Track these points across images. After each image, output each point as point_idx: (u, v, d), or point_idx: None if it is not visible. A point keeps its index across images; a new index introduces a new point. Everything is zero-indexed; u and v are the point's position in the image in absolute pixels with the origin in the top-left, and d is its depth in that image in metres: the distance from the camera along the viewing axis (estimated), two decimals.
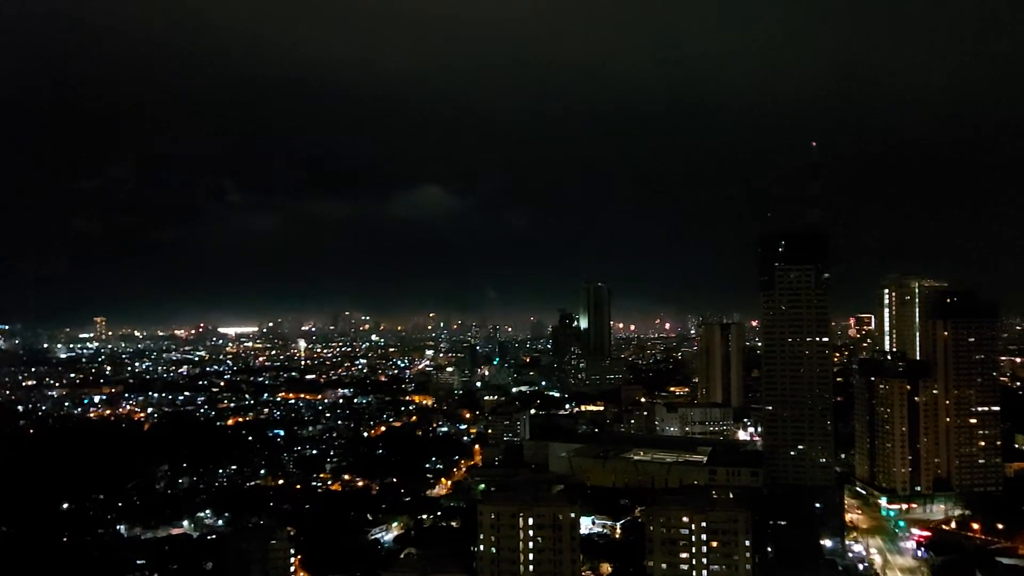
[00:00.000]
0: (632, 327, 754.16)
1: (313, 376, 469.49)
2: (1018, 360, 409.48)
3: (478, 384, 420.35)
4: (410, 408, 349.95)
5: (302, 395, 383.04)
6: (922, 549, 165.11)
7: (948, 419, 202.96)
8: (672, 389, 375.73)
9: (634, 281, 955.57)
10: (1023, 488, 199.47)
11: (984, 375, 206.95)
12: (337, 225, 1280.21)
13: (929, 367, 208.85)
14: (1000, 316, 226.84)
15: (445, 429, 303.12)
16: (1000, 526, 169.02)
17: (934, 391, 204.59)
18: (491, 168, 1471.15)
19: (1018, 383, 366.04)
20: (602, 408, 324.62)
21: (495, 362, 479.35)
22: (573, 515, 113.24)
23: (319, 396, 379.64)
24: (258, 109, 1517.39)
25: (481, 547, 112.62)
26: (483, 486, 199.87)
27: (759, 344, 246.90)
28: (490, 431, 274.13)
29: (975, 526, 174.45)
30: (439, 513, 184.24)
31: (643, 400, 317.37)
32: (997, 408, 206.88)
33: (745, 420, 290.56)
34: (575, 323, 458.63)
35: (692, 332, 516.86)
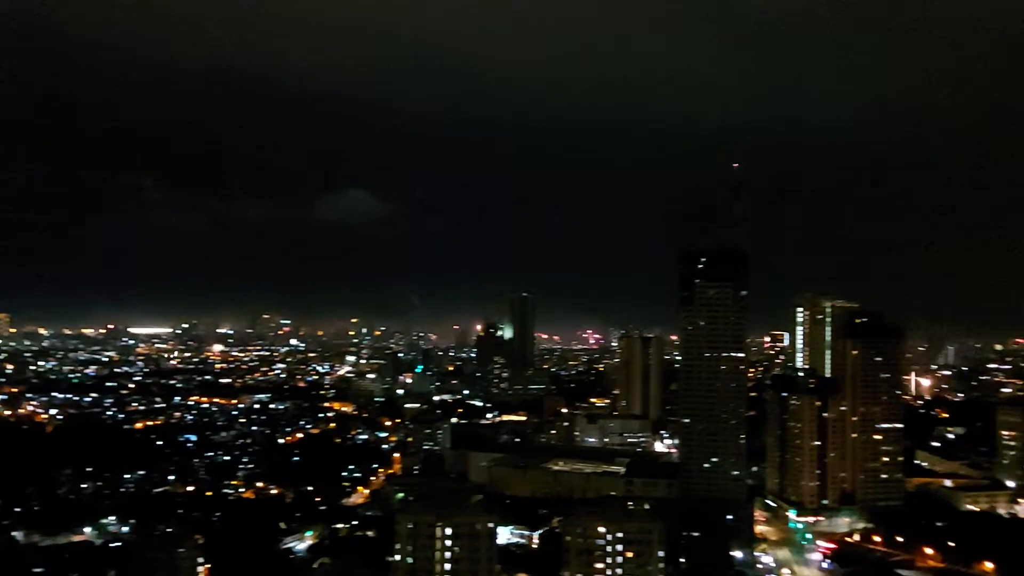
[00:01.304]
0: (556, 338, 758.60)
1: (228, 380, 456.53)
2: (919, 379, 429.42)
3: (400, 392, 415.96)
4: (329, 415, 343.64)
5: (216, 399, 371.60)
6: (827, 561, 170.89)
7: (855, 435, 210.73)
8: (593, 400, 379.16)
9: (559, 292, 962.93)
10: (923, 502, 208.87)
11: (889, 393, 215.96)
12: (258, 226, 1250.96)
13: (838, 384, 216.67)
14: (904, 337, 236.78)
15: (364, 437, 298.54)
16: (900, 539, 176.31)
17: (842, 407, 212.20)
18: (418, 175, 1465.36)
19: (919, 401, 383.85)
20: (524, 418, 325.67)
21: (418, 370, 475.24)
22: (491, 525, 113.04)
23: (234, 401, 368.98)
24: (178, 105, 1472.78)
25: (397, 557, 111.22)
26: (401, 495, 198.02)
27: (678, 358, 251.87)
28: (410, 440, 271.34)
29: (877, 539, 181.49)
30: (356, 522, 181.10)
31: (564, 411, 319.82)
32: (900, 425, 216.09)
33: (663, 432, 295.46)
34: (499, 332, 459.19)
35: (614, 344, 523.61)
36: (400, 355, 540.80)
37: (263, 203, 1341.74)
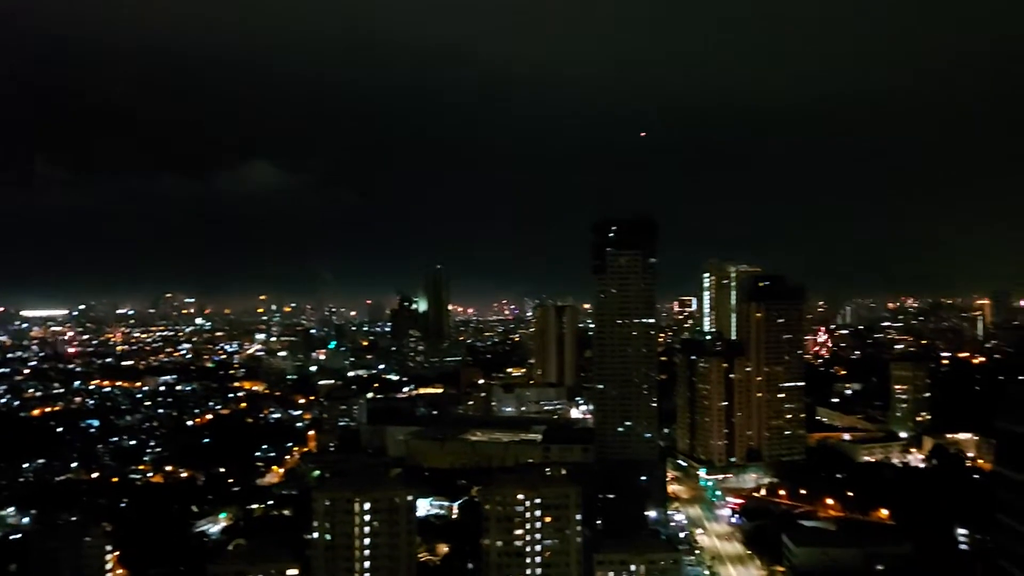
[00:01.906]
0: (471, 310, 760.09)
1: (131, 362, 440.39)
2: (819, 339, 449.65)
3: (313, 369, 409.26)
4: (239, 395, 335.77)
5: (119, 383, 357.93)
6: (736, 516, 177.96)
7: (759, 394, 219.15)
8: (510, 370, 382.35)
9: (474, 264, 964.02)
10: (823, 456, 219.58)
11: (791, 353, 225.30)
12: (158, 201, 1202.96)
13: (744, 346, 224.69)
14: (805, 299, 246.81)
15: (278, 416, 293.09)
16: (803, 491, 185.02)
17: (747, 368, 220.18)
18: (328, 146, 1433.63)
19: (819, 360, 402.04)
20: (441, 390, 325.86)
21: (331, 346, 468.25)
22: (410, 498, 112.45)
23: (138, 384, 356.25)
24: (66, 75, 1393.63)
25: (315, 535, 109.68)
26: (317, 473, 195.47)
27: (592, 326, 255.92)
28: (325, 416, 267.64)
29: (782, 492, 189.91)
30: (271, 502, 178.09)
31: (481, 382, 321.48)
32: (802, 383, 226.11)
33: (578, 399, 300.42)
34: (414, 306, 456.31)
35: (529, 315, 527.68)
36: (312, 331, 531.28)
37: (161, 177, 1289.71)
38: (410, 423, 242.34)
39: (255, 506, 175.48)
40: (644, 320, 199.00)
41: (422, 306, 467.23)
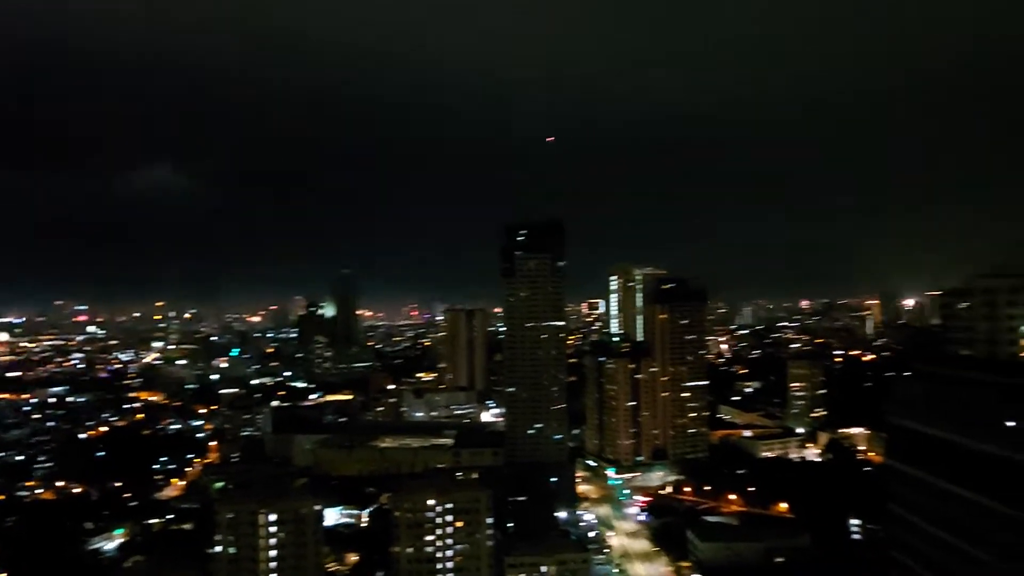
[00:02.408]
0: (380, 314, 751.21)
1: (18, 373, 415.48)
2: (721, 339, 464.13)
3: (214, 377, 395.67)
4: (135, 405, 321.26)
5: (3, 395, 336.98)
6: (644, 514, 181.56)
7: (665, 394, 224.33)
8: (420, 375, 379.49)
9: (383, 269, 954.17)
10: (726, 453, 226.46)
11: (694, 353, 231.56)
12: (47, 204, 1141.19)
13: (649, 347, 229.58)
14: (707, 300, 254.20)
15: (177, 427, 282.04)
16: (707, 488, 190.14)
17: (653, 369, 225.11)
18: (231, 148, 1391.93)
19: (720, 359, 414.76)
20: (349, 397, 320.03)
21: (233, 353, 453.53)
22: (317, 508, 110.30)
23: (25, 396, 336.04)
24: None
25: (218, 548, 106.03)
26: (220, 484, 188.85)
27: (502, 329, 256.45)
28: (228, 427, 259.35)
29: (687, 490, 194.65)
30: (171, 516, 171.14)
31: (391, 387, 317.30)
32: (705, 383, 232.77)
33: (489, 402, 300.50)
34: (321, 311, 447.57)
35: (439, 319, 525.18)
36: (213, 339, 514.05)
37: (50, 178, 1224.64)
38: (317, 431, 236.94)
39: (154, 521, 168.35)
40: (553, 323, 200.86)
41: (330, 311, 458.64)
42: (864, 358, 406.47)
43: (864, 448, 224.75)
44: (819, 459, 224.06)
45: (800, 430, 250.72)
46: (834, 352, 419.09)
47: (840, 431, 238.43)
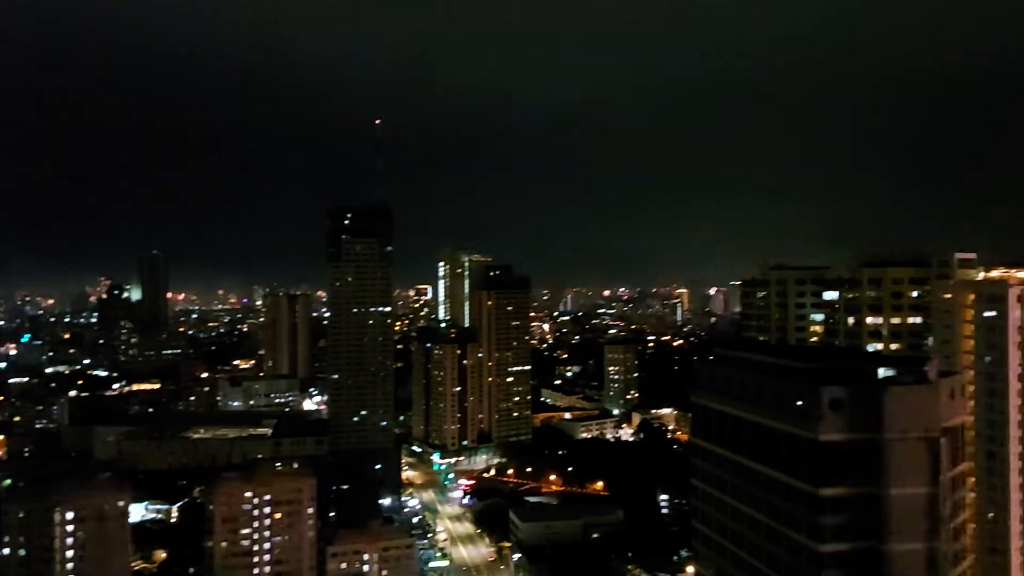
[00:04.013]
0: (193, 298, 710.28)
1: None
2: (544, 325, 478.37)
3: (2, 365, 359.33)
4: None
5: None
6: (468, 497, 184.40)
7: (491, 379, 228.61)
8: (237, 362, 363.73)
9: (197, 250, 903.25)
10: (547, 435, 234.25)
11: (519, 339, 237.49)
12: None
13: (476, 333, 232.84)
14: (531, 287, 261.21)
15: None
16: (530, 470, 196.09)
17: (480, 354, 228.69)
18: (19, 117, 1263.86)
19: (543, 345, 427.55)
20: (158, 386, 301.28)
21: (24, 339, 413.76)
22: (121, 504, 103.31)
23: None
24: None
25: (6, 551, 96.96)
26: (9, 482, 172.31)
27: (327, 314, 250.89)
28: (18, 419, 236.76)
29: (511, 472, 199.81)
30: None
31: (205, 375, 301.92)
32: (529, 367, 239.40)
33: (312, 390, 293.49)
34: (126, 294, 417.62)
35: (259, 303, 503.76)
36: (0, 323, 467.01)
37: None
38: (122, 423, 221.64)
39: None
40: (380, 308, 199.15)
41: (136, 294, 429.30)
42: (674, 343, 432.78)
43: (673, 427, 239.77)
44: (632, 439, 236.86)
45: (616, 411, 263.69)
46: (647, 337, 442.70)
47: (652, 412, 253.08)
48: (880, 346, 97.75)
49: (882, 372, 58.88)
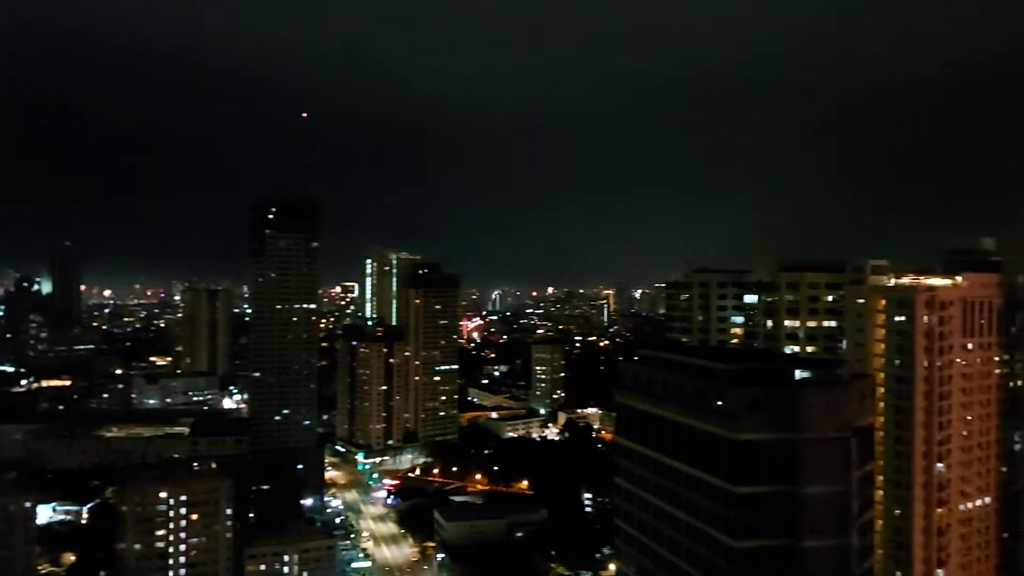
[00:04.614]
0: (107, 292, 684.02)
1: None
2: (470, 324, 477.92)
3: None
4: None
5: None
6: (392, 497, 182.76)
7: (417, 378, 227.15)
8: (153, 359, 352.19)
9: (113, 244, 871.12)
10: (474, 434, 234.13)
11: (447, 338, 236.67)
12: None
13: (404, 331, 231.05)
14: (460, 286, 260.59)
15: None
16: (455, 469, 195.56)
17: (407, 353, 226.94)
18: None
19: (471, 344, 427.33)
20: (69, 383, 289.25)
21: None
22: (28, 505, 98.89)
23: None
24: None
25: None
26: None
27: (249, 311, 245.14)
28: None
29: (436, 471, 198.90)
30: None
31: (119, 372, 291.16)
32: (456, 366, 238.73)
33: (232, 388, 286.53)
34: (36, 287, 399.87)
35: (177, 298, 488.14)
36: None
37: None
38: (30, 420, 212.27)
39: None
40: (305, 305, 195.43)
41: (46, 287, 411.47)
42: (600, 343, 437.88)
43: (598, 427, 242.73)
44: (558, 438, 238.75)
45: (543, 411, 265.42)
46: (575, 338, 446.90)
47: (577, 411, 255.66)
48: (797, 348, 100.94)
49: (799, 374, 60.91)
